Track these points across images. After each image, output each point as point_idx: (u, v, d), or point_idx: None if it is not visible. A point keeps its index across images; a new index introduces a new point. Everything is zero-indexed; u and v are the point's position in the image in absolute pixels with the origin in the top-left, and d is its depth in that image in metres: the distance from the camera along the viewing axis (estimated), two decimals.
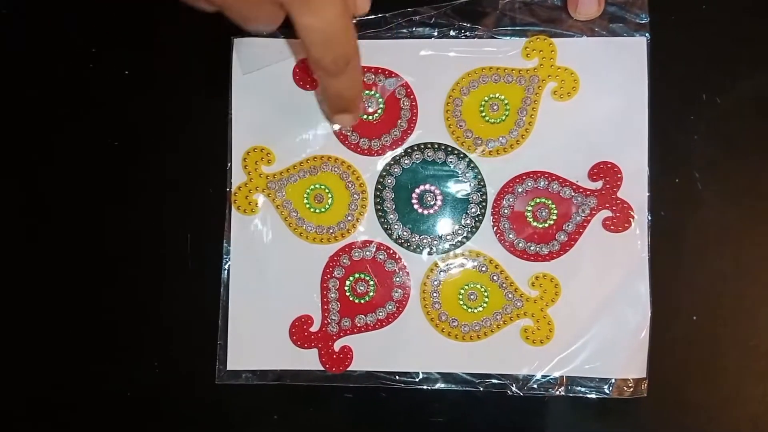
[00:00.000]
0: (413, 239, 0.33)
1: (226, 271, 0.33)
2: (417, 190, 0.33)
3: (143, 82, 0.34)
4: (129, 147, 0.34)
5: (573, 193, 0.33)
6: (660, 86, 0.33)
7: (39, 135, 0.34)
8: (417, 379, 0.33)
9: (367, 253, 0.33)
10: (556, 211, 0.33)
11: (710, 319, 0.32)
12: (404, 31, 0.33)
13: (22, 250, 0.34)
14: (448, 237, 0.33)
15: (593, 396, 0.32)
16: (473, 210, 0.33)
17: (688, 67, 0.33)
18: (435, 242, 0.33)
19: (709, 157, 0.33)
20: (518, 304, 0.32)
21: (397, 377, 0.33)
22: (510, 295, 0.33)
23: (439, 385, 0.33)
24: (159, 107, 0.34)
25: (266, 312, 0.33)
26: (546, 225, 0.33)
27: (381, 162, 0.33)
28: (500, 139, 0.33)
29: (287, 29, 0.32)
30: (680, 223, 0.33)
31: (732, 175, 0.33)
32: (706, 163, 0.33)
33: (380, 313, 0.33)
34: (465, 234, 0.33)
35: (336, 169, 0.33)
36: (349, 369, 0.33)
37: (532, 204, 0.33)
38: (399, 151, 0.33)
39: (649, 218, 0.32)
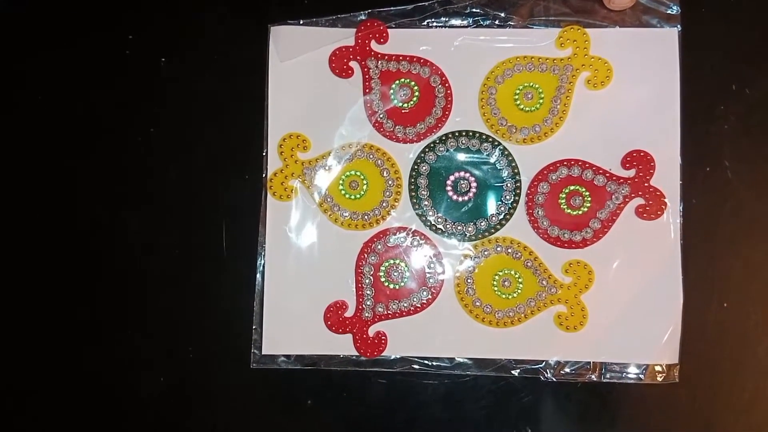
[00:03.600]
0: (447, 226, 0.33)
1: (261, 257, 0.33)
2: (451, 178, 0.33)
3: (180, 70, 0.34)
4: (165, 134, 0.34)
5: (606, 181, 0.33)
6: (691, 77, 0.33)
7: (76, 122, 0.35)
8: (451, 365, 0.33)
9: (402, 239, 0.33)
10: (589, 199, 0.33)
11: (741, 305, 0.33)
12: (440, 20, 0.34)
13: (57, 238, 0.34)
14: (482, 224, 0.33)
15: (626, 381, 0.32)
16: (507, 197, 0.33)
17: (719, 58, 0.34)
18: (469, 229, 0.33)
19: (739, 146, 0.33)
20: (552, 290, 0.33)
21: (431, 363, 0.33)
22: (544, 282, 0.33)
23: (473, 371, 0.33)
24: (195, 95, 0.34)
25: (301, 297, 0.33)
26: (580, 212, 0.33)
27: (416, 149, 0.34)
28: (534, 127, 0.33)
29: (322, 18, 0.33)
30: (711, 212, 0.33)
31: (762, 164, 0.33)
32: (736, 152, 0.33)
33: (414, 299, 0.33)
34: (499, 221, 0.33)
35: (371, 157, 0.33)
36: (383, 354, 0.33)
37: (566, 191, 0.33)
38: (434, 138, 0.34)
39: (682, 206, 0.33)
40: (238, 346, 0.33)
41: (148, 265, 0.34)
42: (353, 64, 0.34)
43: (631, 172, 0.33)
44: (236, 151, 0.34)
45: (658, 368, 0.32)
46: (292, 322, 0.33)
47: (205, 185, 0.34)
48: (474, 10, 0.33)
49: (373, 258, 0.33)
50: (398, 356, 0.33)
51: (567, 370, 0.32)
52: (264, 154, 0.34)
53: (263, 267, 0.33)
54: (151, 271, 0.34)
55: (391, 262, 0.33)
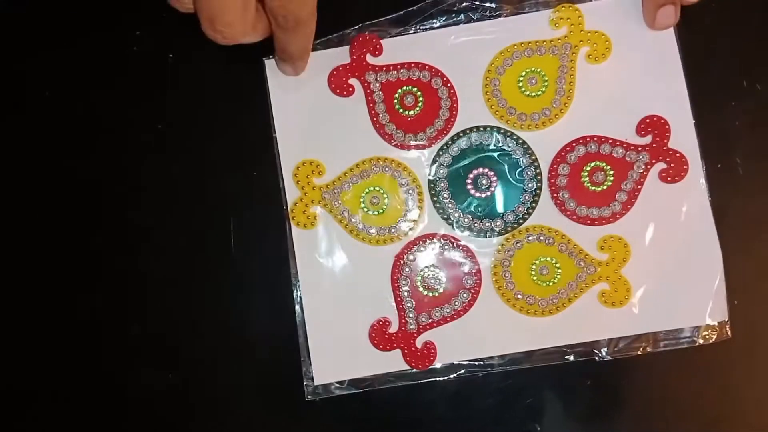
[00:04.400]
0: (475, 224, 0.33)
1: (296, 288, 0.33)
2: (470, 176, 0.33)
3: (184, 112, 0.34)
4: (182, 176, 0.34)
5: (625, 152, 0.33)
6: (700, 72, 0.33)
7: (79, 121, 0.34)
8: (503, 362, 0.33)
9: (432, 246, 0.33)
10: (612, 172, 0.33)
11: (755, 312, 0.32)
12: (431, 22, 0.33)
13: (62, 242, 0.34)
14: (509, 216, 0.33)
15: (680, 347, 0.32)
16: (530, 185, 0.33)
17: (729, 52, 0.33)
18: (497, 224, 0.33)
19: (750, 143, 0.33)
20: (591, 270, 0.33)
21: (483, 363, 0.33)
22: (581, 263, 0.33)
23: (527, 364, 0.33)
24: (202, 138, 0.34)
25: (343, 321, 0.33)
26: (604, 187, 0.33)
27: (430, 154, 0.33)
28: (544, 110, 0.33)
29: (317, 41, 0.33)
30: (720, 209, 0.32)
31: None
32: (747, 149, 0.33)
33: (456, 304, 0.33)
34: (526, 210, 0.33)
35: (387, 170, 0.33)
36: (434, 364, 0.33)
37: (587, 169, 0.33)
38: (446, 140, 0.33)
39: (703, 163, 0.33)
40: (288, 380, 0.33)
41: (171, 310, 0.34)
42: (353, 81, 0.33)
43: (648, 139, 0.33)
44: (252, 186, 0.33)
45: (710, 328, 0.32)
46: (339, 348, 0.33)
47: (227, 221, 0.33)
48: (463, 5, 0.33)
49: (407, 270, 0.33)
50: (450, 363, 0.33)
51: (620, 346, 0.32)
52: (280, 185, 0.33)
53: (300, 298, 0.33)
54: (190, 317, 0.34)
55: (426, 270, 0.33)
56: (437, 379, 0.33)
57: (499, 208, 0.33)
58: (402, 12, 0.33)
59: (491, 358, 0.33)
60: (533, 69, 0.33)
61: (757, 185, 0.33)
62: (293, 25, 0.28)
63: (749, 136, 0.33)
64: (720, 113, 0.33)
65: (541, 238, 0.33)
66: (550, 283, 0.33)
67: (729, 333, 0.32)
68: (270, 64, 0.33)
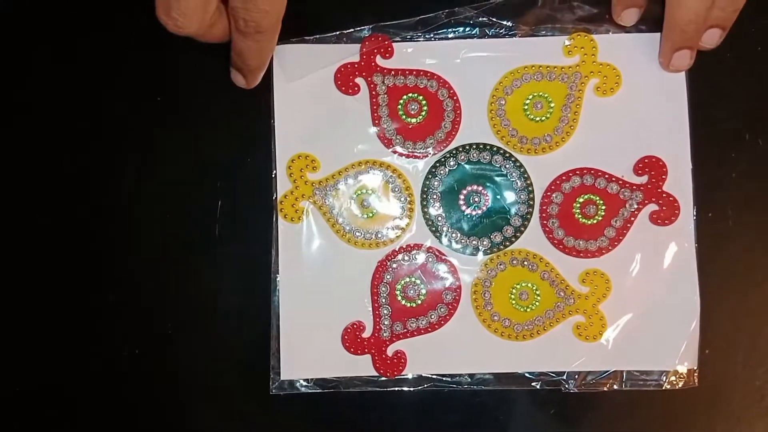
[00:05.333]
0: (462, 241, 0.33)
1: (275, 280, 0.33)
2: (464, 192, 0.33)
3: (181, 93, 0.34)
4: (172, 153, 0.34)
5: (619, 189, 0.33)
6: (705, 119, 0.33)
7: (65, 123, 0.34)
8: (471, 380, 0.33)
9: (417, 256, 0.33)
10: (603, 207, 0.33)
11: (734, 354, 0.33)
12: (444, 32, 0.33)
13: (32, 255, 0.34)
14: (496, 237, 0.33)
15: (646, 389, 0.32)
16: (521, 209, 0.33)
17: (736, 104, 0.33)
18: (484, 243, 0.33)
19: (744, 195, 0.33)
20: (570, 301, 0.33)
21: (452, 379, 0.33)
22: (561, 293, 0.33)
23: (493, 386, 0.33)
24: (201, 118, 0.34)
25: (318, 320, 0.33)
26: (594, 221, 0.33)
27: (426, 164, 0.33)
28: (545, 136, 0.33)
29: (325, 35, 0.33)
30: (707, 257, 0.33)
31: (764, 215, 0.33)
32: (741, 201, 0.33)
33: (432, 316, 0.33)
34: (513, 233, 0.33)
35: (382, 174, 0.33)
36: (402, 374, 0.33)
37: (580, 201, 0.33)
38: (444, 152, 0.33)
39: (695, 211, 0.33)
40: (256, 372, 0.32)
41: (154, 290, 0.33)
42: (359, 80, 0.33)
43: (644, 179, 0.33)
44: (245, 173, 0.33)
45: (677, 374, 0.32)
46: (310, 346, 0.33)
47: (215, 208, 0.33)
48: (479, 20, 0.33)
49: (388, 277, 0.33)
50: (419, 374, 0.33)
51: (588, 380, 0.32)
52: (273, 175, 0.33)
53: (277, 291, 0.33)
54: (157, 296, 0.33)
55: (407, 280, 0.33)
56: (404, 389, 0.33)
57: (488, 227, 0.33)
58: (417, 18, 0.33)
59: (460, 375, 0.33)
60: (540, 93, 0.33)
61: (745, 238, 0.33)
62: (253, 31, 0.28)
63: (744, 188, 0.33)
64: (718, 163, 0.33)
65: (525, 263, 0.33)
66: (528, 309, 0.33)
67: (696, 381, 0.32)
68: (279, 49, 0.33)
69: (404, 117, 0.33)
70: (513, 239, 0.33)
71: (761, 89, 0.34)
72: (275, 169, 0.33)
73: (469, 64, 0.33)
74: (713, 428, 0.33)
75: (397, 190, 0.33)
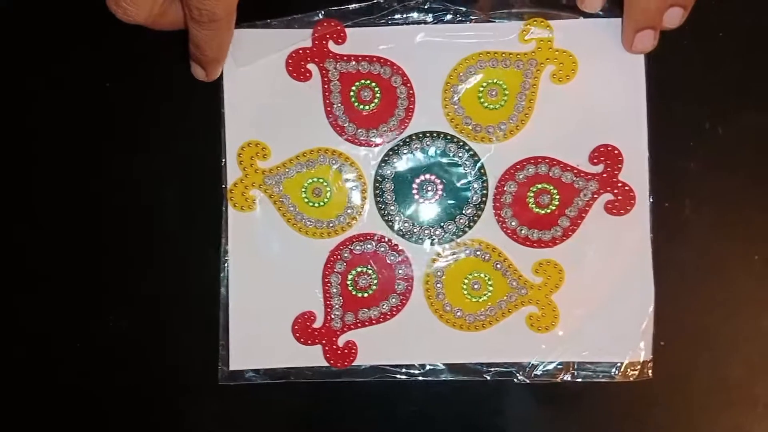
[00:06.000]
0: (415, 230, 0.33)
1: (225, 269, 0.32)
2: (417, 180, 0.33)
3: (135, 76, 0.33)
4: (121, 140, 0.33)
5: (574, 178, 0.32)
6: (663, 108, 0.32)
7: (24, 126, 0.33)
8: (423, 371, 0.32)
9: (369, 246, 0.33)
10: (558, 197, 0.32)
11: (689, 347, 0.32)
12: (398, 17, 0.32)
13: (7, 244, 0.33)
14: (449, 226, 0.32)
15: (599, 380, 0.32)
16: (474, 198, 0.32)
17: (696, 92, 0.33)
18: (437, 232, 0.33)
19: (701, 185, 0.33)
20: (522, 291, 0.32)
21: (403, 370, 0.32)
22: (514, 283, 0.32)
23: (445, 376, 0.32)
24: (150, 105, 0.33)
25: (268, 309, 0.32)
26: (548, 211, 0.32)
27: (379, 152, 0.33)
28: (500, 124, 0.32)
29: (277, 20, 0.32)
30: (663, 248, 0.32)
31: (722, 206, 0.33)
32: (698, 191, 0.33)
33: (384, 307, 0.32)
34: (467, 223, 0.32)
35: (334, 162, 0.32)
36: (354, 364, 0.32)
37: (534, 190, 0.32)
38: (397, 141, 0.33)
39: (651, 200, 0.32)
40: (204, 363, 0.32)
41: (107, 280, 0.33)
42: (311, 66, 0.32)
43: (599, 168, 0.32)
44: (194, 161, 0.33)
45: (631, 366, 0.32)
46: (260, 336, 0.32)
47: (162, 197, 0.33)
48: (434, 5, 0.32)
49: (340, 266, 0.32)
50: (369, 365, 0.32)
51: (539, 372, 0.32)
52: (223, 163, 0.32)
53: (227, 280, 0.32)
54: (109, 286, 0.33)
55: (359, 269, 0.32)
56: (355, 380, 0.32)
57: (441, 216, 0.33)
58: (371, 2, 0.32)
59: (412, 365, 0.32)
60: (495, 81, 0.32)
61: (703, 228, 0.33)
62: (207, 20, 0.27)
63: (702, 179, 0.33)
64: (677, 152, 0.33)
65: (478, 252, 0.32)
66: (480, 299, 0.32)
67: (650, 373, 0.32)
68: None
69: (357, 104, 0.33)
70: (466, 229, 0.33)
71: (722, 76, 0.33)
72: (225, 157, 0.32)
73: (423, 50, 0.32)
74: (667, 420, 0.33)
75: (349, 178, 0.33)
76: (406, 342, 0.32)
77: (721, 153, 0.33)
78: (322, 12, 0.32)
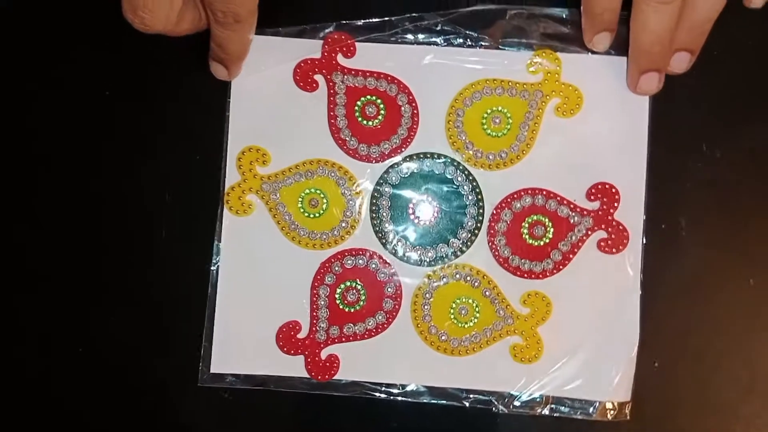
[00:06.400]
0: (407, 249, 0.33)
1: (214, 271, 0.32)
2: (414, 200, 0.33)
3: (139, 78, 0.33)
4: (121, 141, 0.33)
5: (570, 212, 0.32)
6: (661, 130, 0.32)
7: (24, 126, 0.33)
8: (403, 391, 0.32)
9: (360, 261, 0.33)
10: (552, 230, 0.32)
11: (682, 366, 0.32)
12: (409, 36, 0.32)
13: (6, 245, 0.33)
14: (442, 249, 0.33)
15: (577, 417, 0.32)
16: (469, 224, 0.32)
17: (693, 115, 0.33)
18: (429, 254, 0.33)
19: (697, 207, 0.33)
20: (509, 321, 0.32)
21: (383, 388, 0.32)
22: (501, 312, 0.32)
23: (425, 399, 0.32)
24: (150, 105, 0.33)
25: (254, 315, 0.32)
26: (541, 243, 0.32)
27: (379, 169, 0.33)
28: (501, 152, 0.32)
29: (288, 28, 0.32)
30: (658, 269, 0.32)
31: (717, 228, 0.33)
32: (693, 212, 0.33)
33: (370, 323, 0.32)
34: (459, 247, 0.32)
35: (332, 174, 0.33)
36: (335, 378, 0.32)
37: (529, 221, 0.32)
38: (398, 159, 0.33)
39: (644, 242, 0.32)
40: (186, 363, 0.32)
41: (98, 274, 0.33)
42: (318, 77, 0.32)
43: (595, 205, 0.32)
44: (194, 162, 0.33)
45: (609, 405, 0.32)
46: (244, 341, 0.32)
47: (159, 194, 0.33)
48: (445, 28, 0.32)
49: (329, 279, 0.32)
50: (350, 380, 0.32)
51: (518, 403, 0.32)
52: (222, 166, 0.32)
53: (216, 283, 0.32)
54: (100, 280, 0.33)
55: (348, 284, 0.33)
56: (334, 394, 0.32)
57: (435, 239, 0.33)
58: (383, 19, 0.32)
59: (392, 384, 0.32)
60: (500, 108, 0.32)
61: (697, 250, 0.32)
62: (232, 21, 0.27)
63: (699, 200, 0.33)
64: (673, 172, 0.33)
65: (468, 278, 0.32)
66: (467, 325, 0.32)
67: (628, 415, 0.32)
68: None
69: (361, 119, 0.33)
70: (458, 253, 0.33)
71: (719, 98, 0.33)
72: (224, 161, 0.32)
73: (431, 71, 0.32)
74: None
75: (346, 192, 0.33)
76: (388, 360, 0.32)
77: (718, 174, 0.33)
78: (334, 24, 0.32)
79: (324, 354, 0.32)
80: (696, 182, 0.33)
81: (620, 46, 0.32)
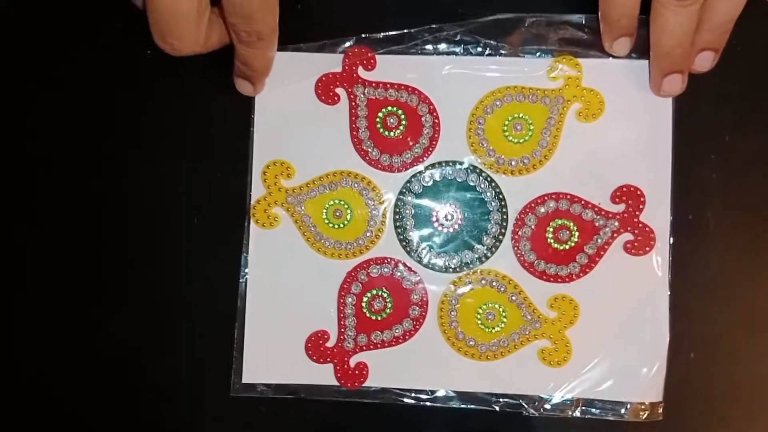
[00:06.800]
0: (432, 257, 0.33)
1: (243, 284, 0.33)
2: (437, 208, 0.33)
3: (164, 91, 0.34)
4: (146, 153, 0.34)
5: (595, 216, 0.32)
6: (684, 121, 0.32)
7: (43, 120, 0.34)
8: (432, 397, 0.33)
9: (385, 269, 0.33)
10: (577, 233, 0.32)
11: (715, 360, 0.32)
12: (428, 47, 0.33)
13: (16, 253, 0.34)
14: (467, 256, 0.33)
15: (609, 418, 0.32)
16: (494, 230, 0.33)
17: (716, 105, 0.33)
18: (454, 260, 0.33)
19: (723, 198, 0.32)
20: (536, 325, 0.32)
21: (413, 394, 0.33)
22: (528, 316, 0.32)
23: (454, 404, 0.33)
24: (181, 119, 0.34)
25: (283, 326, 0.33)
26: (566, 247, 0.32)
27: (402, 179, 0.33)
28: (523, 158, 0.33)
29: (309, 44, 0.33)
30: (686, 262, 0.32)
31: (744, 219, 0.32)
32: (720, 204, 0.32)
33: (397, 330, 0.33)
34: (484, 253, 0.33)
35: (356, 185, 0.33)
36: (364, 385, 0.33)
37: (554, 225, 0.32)
38: (420, 168, 0.33)
39: (671, 242, 0.32)
40: (217, 374, 0.33)
41: (125, 287, 0.34)
42: (340, 90, 0.33)
43: (620, 207, 0.32)
44: (220, 176, 0.33)
45: (641, 406, 0.32)
46: (273, 351, 0.33)
47: (186, 210, 0.33)
48: (464, 38, 0.33)
49: (355, 288, 0.33)
50: (379, 387, 0.33)
51: (548, 406, 0.32)
52: (248, 180, 0.33)
53: (245, 294, 0.33)
54: (127, 293, 0.33)
55: (374, 292, 0.33)
56: (364, 401, 0.33)
57: (459, 245, 0.33)
58: (402, 31, 0.33)
59: (421, 390, 0.33)
60: (521, 115, 0.33)
61: (725, 241, 0.32)
62: (256, 39, 0.28)
63: (724, 191, 0.32)
64: (698, 164, 0.32)
65: (494, 283, 0.33)
66: (494, 330, 0.33)
67: (661, 415, 0.32)
68: None
69: (382, 130, 0.33)
70: (483, 259, 0.33)
71: (741, 91, 0.32)
72: (250, 174, 0.33)
73: (451, 80, 0.33)
74: None
75: (370, 202, 0.33)
76: (416, 367, 0.33)
77: (742, 167, 0.32)
78: (354, 38, 0.33)
79: (353, 362, 0.33)
80: (721, 173, 0.32)
81: (641, 49, 0.32)
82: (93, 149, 0.34)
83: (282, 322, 0.33)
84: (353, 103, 0.33)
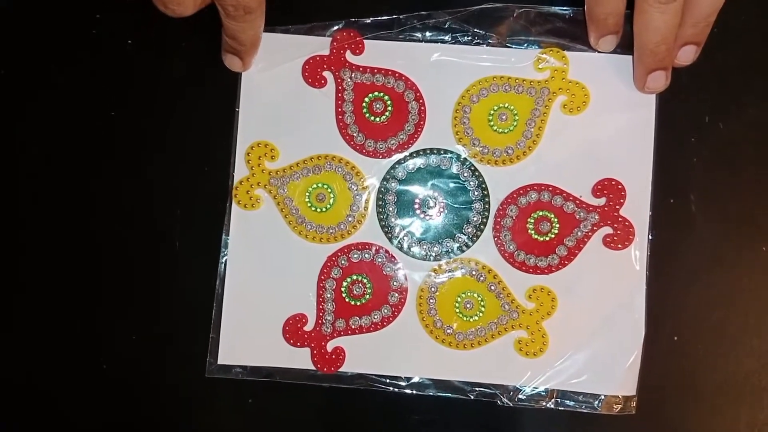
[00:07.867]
0: (413, 244, 0.33)
1: (222, 265, 0.33)
2: (420, 195, 0.33)
3: (150, 69, 0.34)
4: (128, 136, 0.34)
5: (576, 208, 0.32)
6: (664, 104, 0.32)
7: (32, 102, 0.34)
8: (408, 384, 0.33)
9: (366, 255, 0.33)
10: (557, 225, 0.32)
11: (701, 341, 0.33)
12: (417, 34, 0.33)
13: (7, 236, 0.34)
14: (448, 244, 0.33)
15: (582, 410, 0.32)
16: (475, 219, 0.33)
17: (694, 87, 0.33)
18: (435, 248, 0.33)
19: (706, 180, 0.33)
20: (514, 315, 0.33)
21: (388, 380, 0.33)
22: (506, 306, 0.33)
23: (430, 391, 0.33)
24: (165, 100, 0.34)
25: (261, 308, 0.33)
26: (547, 238, 0.33)
27: (386, 165, 0.33)
28: (507, 149, 0.33)
29: (297, 26, 0.33)
30: (670, 245, 0.32)
31: (727, 201, 0.33)
32: (702, 186, 0.33)
33: (375, 316, 0.33)
34: (465, 242, 0.33)
35: (339, 170, 0.33)
36: (340, 370, 0.33)
37: (535, 216, 0.33)
38: (404, 154, 0.33)
39: (650, 238, 0.32)
40: (194, 354, 0.33)
41: (103, 267, 0.33)
42: (327, 74, 0.33)
43: (602, 201, 0.33)
44: (203, 156, 0.33)
45: (615, 399, 0.32)
46: (251, 333, 0.33)
47: (167, 188, 0.33)
48: (453, 26, 0.33)
49: (336, 272, 0.33)
50: (355, 372, 0.33)
51: (523, 396, 0.32)
52: (231, 161, 0.33)
53: (223, 275, 0.33)
54: (106, 272, 0.33)
55: (354, 277, 0.33)
56: (340, 386, 0.33)
57: (441, 233, 0.33)
58: (391, 17, 0.33)
59: (397, 377, 0.33)
60: (507, 105, 0.33)
61: (708, 223, 0.33)
62: (243, 13, 0.28)
63: (705, 173, 0.33)
64: (679, 147, 0.33)
65: (473, 273, 0.33)
66: (472, 319, 0.33)
67: (634, 409, 0.32)
68: None
69: (368, 115, 0.33)
70: (464, 248, 0.33)
71: (719, 72, 0.33)
72: (234, 155, 0.33)
73: (438, 68, 0.33)
74: None
75: (353, 187, 0.33)
76: (393, 353, 0.33)
77: (722, 148, 0.33)
78: (343, 22, 0.33)
79: (330, 346, 0.33)
80: (702, 155, 0.33)
81: (626, 45, 0.32)
82: (93, 149, 0.34)
83: (260, 305, 0.33)
84: (340, 87, 0.33)
